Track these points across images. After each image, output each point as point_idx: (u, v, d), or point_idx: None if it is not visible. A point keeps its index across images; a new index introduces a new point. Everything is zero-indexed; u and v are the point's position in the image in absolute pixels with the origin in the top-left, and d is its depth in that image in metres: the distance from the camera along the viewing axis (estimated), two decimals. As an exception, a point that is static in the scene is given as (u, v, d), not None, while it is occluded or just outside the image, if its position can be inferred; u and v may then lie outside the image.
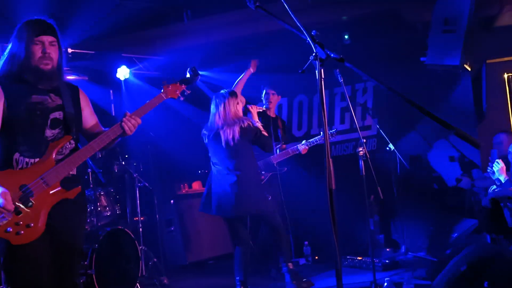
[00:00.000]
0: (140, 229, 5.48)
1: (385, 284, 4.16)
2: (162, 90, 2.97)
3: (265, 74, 6.09)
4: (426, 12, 5.65)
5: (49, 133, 2.68)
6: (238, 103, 4.51)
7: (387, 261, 5.35)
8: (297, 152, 5.26)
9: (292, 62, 6.16)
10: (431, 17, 5.48)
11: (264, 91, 5.70)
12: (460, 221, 5.44)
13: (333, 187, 2.04)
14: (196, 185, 6.90)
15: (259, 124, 4.62)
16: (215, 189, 4.55)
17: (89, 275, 4.34)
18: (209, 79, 7.25)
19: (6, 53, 2.73)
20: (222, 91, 4.57)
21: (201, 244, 6.38)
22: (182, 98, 3.04)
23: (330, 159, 2.07)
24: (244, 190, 4.39)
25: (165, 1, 6.29)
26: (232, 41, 6.74)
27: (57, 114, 2.71)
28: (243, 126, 4.38)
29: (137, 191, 5.61)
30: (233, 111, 4.44)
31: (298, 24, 2.15)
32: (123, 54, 6.59)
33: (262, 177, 5.19)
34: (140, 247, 5.24)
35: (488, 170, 4.70)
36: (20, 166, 2.61)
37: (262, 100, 5.76)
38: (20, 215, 2.51)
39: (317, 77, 2.08)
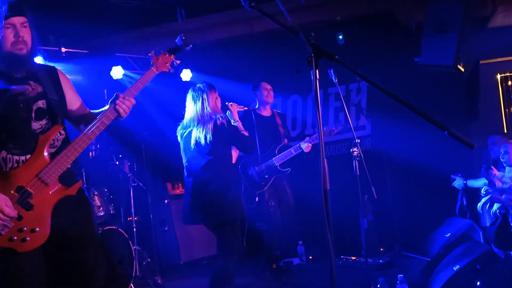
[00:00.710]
0: (134, 229, 5.47)
1: (379, 284, 4.17)
2: (151, 64, 2.76)
3: (259, 74, 6.09)
4: (420, 13, 5.68)
5: (36, 125, 2.44)
6: (217, 98, 4.08)
7: (381, 261, 5.37)
8: (300, 151, 5.16)
9: (287, 62, 6.20)
10: (424, 17, 5.50)
11: (261, 85, 5.44)
12: (453, 221, 5.46)
13: (328, 187, 2.04)
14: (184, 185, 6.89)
15: (239, 124, 4.25)
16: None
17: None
18: (204, 79, 7.24)
19: None
20: (199, 84, 4.10)
21: (195, 244, 6.37)
22: (172, 70, 2.83)
23: (325, 159, 2.07)
24: (207, 194, 3.91)
25: (159, 0, 6.27)
26: (226, 40, 6.74)
27: (41, 103, 2.48)
28: (217, 123, 3.89)
29: (131, 191, 5.60)
30: (211, 106, 4.00)
31: (293, 25, 2.15)
32: (117, 54, 6.57)
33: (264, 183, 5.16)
34: (134, 247, 5.23)
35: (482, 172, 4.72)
36: (9, 166, 2.37)
37: (255, 99, 5.62)
38: (22, 220, 2.29)
39: (311, 78, 2.08)
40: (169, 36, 6.76)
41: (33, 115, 2.44)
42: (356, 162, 4.25)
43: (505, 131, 6.26)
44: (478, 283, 3.98)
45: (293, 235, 5.96)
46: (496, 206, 4.65)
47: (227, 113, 4.34)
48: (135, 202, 5.61)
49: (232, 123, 4.17)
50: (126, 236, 4.90)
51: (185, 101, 4.12)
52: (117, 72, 6.39)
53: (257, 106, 5.56)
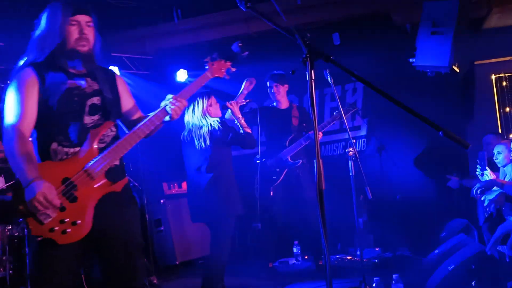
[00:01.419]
0: (130, 229, 5.45)
1: (374, 283, 4.18)
2: (206, 68, 2.76)
3: (255, 74, 6.09)
4: (415, 14, 5.70)
5: (88, 119, 2.46)
6: (211, 104, 4.26)
7: (376, 260, 5.38)
8: (309, 141, 5.12)
9: (283, 62, 6.20)
10: (420, 18, 5.52)
11: (268, 84, 5.48)
12: (449, 221, 5.48)
13: (323, 187, 2.05)
14: (186, 185, 6.89)
15: (241, 121, 4.37)
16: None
17: (78, 275, 4.31)
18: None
19: (36, 35, 2.50)
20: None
21: (191, 244, 6.36)
22: (228, 77, 2.85)
23: (320, 160, 2.08)
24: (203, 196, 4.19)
25: (155, 0, 6.27)
26: (222, 41, 6.74)
27: (95, 100, 2.50)
28: (209, 129, 4.17)
29: (131, 190, 5.58)
30: (203, 111, 4.22)
31: (289, 25, 2.16)
32: (112, 54, 6.56)
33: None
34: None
35: (478, 173, 4.74)
36: (59, 157, 2.38)
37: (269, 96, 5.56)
38: (65, 211, 2.29)
39: (307, 78, 2.09)
40: (165, 36, 6.77)
41: (86, 109, 2.47)
42: (352, 162, 4.26)
43: (500, 131, 6.30)
44: (473, 283, 4.00)
45: (288, 235, 5.97)
46: (489, 198, 4.67)
47: (227, 112, 4.50)
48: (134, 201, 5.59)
49: (235, 122, 4.37)
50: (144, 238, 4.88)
51: None
52: (112, 72, 6.38)
53: (274, 103, 5.54)
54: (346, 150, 4.33)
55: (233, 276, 4.67)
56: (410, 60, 5.56)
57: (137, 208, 2.65)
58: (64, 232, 2.28)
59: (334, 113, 5.28)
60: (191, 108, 4.25)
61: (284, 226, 5.43)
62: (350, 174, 4.26)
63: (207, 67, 2.78)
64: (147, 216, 6.02)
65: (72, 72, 2.50)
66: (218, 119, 4.25)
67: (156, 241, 6.29)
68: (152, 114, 2.57)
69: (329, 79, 4.26)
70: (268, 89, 5.51)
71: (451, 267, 4.06)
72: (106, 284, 2.47)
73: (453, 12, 5.30)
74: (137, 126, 2.49)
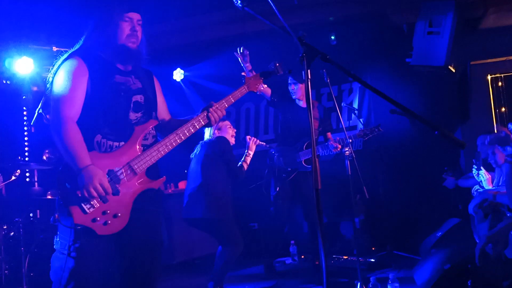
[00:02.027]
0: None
1: (370, 283, 4.19)
2: (244, 82, 2.88)
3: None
4: (412, 14, 5.71)
5: (132, 116, 2.52)
6: (219, 128, 4.51)
7: (372, 260, 5.39)
8: (326, 151, 5.06)
9: (279, 62, 6.19)
10: (416, 18, 5.53)
11: (289, 80, 5.28)
12: (445, 220, 5.49)
13: (319, 186, 2.05)
14: (183, 185, 6.88)
15: (248, 158, 4.56)
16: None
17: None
18: (196, 78, 7.25)
19: (91, 27, 2.56)
20: None
21: (188, 243, 6.36)
22: (259, 93, 3.00)
23: (316, 159, 2.08)
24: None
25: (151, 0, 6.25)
26: (218, 40, 6.74)
27: (139, 98, 2.57)
28: (210, 140, 4.44)
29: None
30: (211, 132, 4.54)
31: (285, 25, 2.16)
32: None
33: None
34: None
35: (473, 173, 4.75)
36: (102, 149, 2.43)
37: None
38: (107, 203, 2.33)
39: (303, 78, 2.09)
40: (161, 36, 6.75)
41: (131, 105, 2.52)
42: (348, 162, 4.27)
43: (495, 132, 6.31)
44: (469, 282, 4.01)
45: (285, 234, 5.97)
46: (484, 201, 4.68)
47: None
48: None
49: (245, 152, 4.57)
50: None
51: (176, 100, 4.29)
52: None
53: (294, 98, 5.38)
54: (343, 149, 4.34)
55: (229, 276, 4.66)
56: (407, 59, 5.57)
57: (163, 209, 2.78)
58: (105, 223, 2.34)
59: (357, 133, 5.12)
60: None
61: (282, 225, 5.41)
62: (347, 173, 4.27)
63: (244, 81, 2.90)
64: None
65: (119, 68, 2.55)
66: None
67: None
68: (193, 118, 2.65)
69: (325, 78, 4.26)
70: (289, 89, 5.33)
71: (447, 267, 4.07)
72: (122, 283, 2.51)
73: (449, 12, 5.32)
74: (179, 129, 2.55)
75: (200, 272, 6.00)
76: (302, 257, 6.01)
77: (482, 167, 4.60)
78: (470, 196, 5.24)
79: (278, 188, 5.16)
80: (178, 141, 2.55)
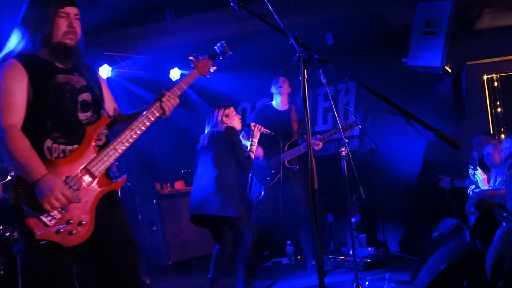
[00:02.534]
0: (122, 229, 5.42)
1: (367, 283, 4.20)
2: (192, 66, 2.76)
3: (247, 74, 6.09)
4: (408, 14, 5.72)
5: (82, 116, 2.35)
6: (227, 115, 4.43)
7: (369, 260, 5.39)
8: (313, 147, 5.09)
9: (275, 62, 6.20)
10: (413, 19, 5.54)
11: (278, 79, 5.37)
12: (441, 220, 5.50)
13: (316, 187, 2.05)
14: (179, 185, 6.87)
15: (254, 146, 4.51)
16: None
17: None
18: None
19: (20, 25, 2.35)
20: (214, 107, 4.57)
21: (184, 244, 6.35)
22: (208, 75, 2.85)
23: (313, 159, 2.08)
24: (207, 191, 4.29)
25: (148, -1, 6.25)
26: (215, 40, 6.72)
27: (85, 96, 2.39)
28: (219, 130, 4.34)
29: (119, 191, 5.54)
30: (220, 119, 4.41)
31: (281, 25, 2.16)
32: (105, 53, 6.53)
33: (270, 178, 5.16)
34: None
35: (470, 173, 4.77)
36: (55, 155, 2.25)
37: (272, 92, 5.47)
38: (69, 212, 2.17)
39: (300, 78, 2.09)
40: (158, 35, 6.74)
41: (79, 106, 2.36)
42: (344, 162, 4.27)
43: (491, 132, 6.34)
44: (465, 282, 4.02)
45: (281, 235, 5.97)
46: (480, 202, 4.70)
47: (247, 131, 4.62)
48: (123, 202, 5.55)
49: (248, 143, 4.52)
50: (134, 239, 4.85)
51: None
52: (105, 71, 6.36)
53: (273, 101, 5.47)
54: (339, 150, 4.34)
55: (224, 277, 4.66)
56: (403, 60, 5.58)
57: (124, 207, 2.58)
58: (70, 233, 2.19)
59: (336, 128, 5.17)
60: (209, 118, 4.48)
61: (274, 226, 5.41)
62: (343, 174, 4.27)
63: (192, 65, 2.79)
64: (139, 216, 6.00)
65: (59, 66, 2.38)
66: None
67: (148, 242, 6.27)
68: (144, 110, 2.50)
69: (322, 78, 4.26)
70: (273, 85, 5.41)
71: (443, 267, 4.07)
72: (104, 286, 2.38)
73: (445, 13, 5.33)
74: (133, 124, 2.41)
75: (195, 273, 6.00)
76: (299, 257, 6.00)
77: (478, 167, 4.61)
78: (466, 196, 5.25)
79: (263, 192, 5.17)
80: (135, 136, 2.40)
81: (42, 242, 2.14)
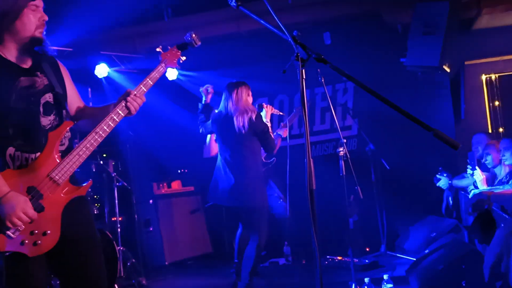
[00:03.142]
0: (118, 229, 5.41)
1: (365, 284, 4.18)
2: (160, 59, 2.64)
3: (245, 74, 6.07)
4: (406, 14, 5.71)
5: (45, 121, 2.26)
6: (249, 95, 4.51)
7: (366, 261, 5.39)
8: (280, 138, 5.12)
9: (273, 61, 6.19)
10: (411, 19, 5.53)
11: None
12: (438, 221, 5.50)
13: (314, 187, 2.03)
14: (176, 185, 6.85)
15: (269, 124, 4.58)
16: (215, 176, 4.55)
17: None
18: (190, 78, 7.21)
19: None
20: (233, 82, 4.56)
21: (180, 244, 6.34)
22: (178, 67, 2.74)
23: (311, 159, 2.06)
24: (239, 181, 4.35)
25: (145, -1, 6.23)
26: (213, 40, 6.71)
27: (48, 97, 2.29)
28: (252, 118, 4.35)
29: (116, 191, 5.54)
30: (244, 98, 4.45)
31: (280, 24, 2.14)
32: (102, 52, 6.51)
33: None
34: (118, 248, 5.17)
35: (468, 172, 4.75)
36: (18, 164, 2.18)
37: None
38: (33, 223, 2.12)
39: (298, 77, 2.07)
40: (155, 35, 6.72)
41: (41, 109, 2.26)
42: (342, 162, 4.25)
43: (489, 131, 6.33)
44: (463, 283, 4.01)
45: (279, 235, 5.96)
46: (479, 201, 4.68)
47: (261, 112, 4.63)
48: (119, 202, 5.55)
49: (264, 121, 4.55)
50: (110, 236, 4.84)
51: (169, 100, 4.27)
52: (102, 71, 6.34)
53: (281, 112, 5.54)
54: (337, 149, 4.32)
55: (220, 277, 4.64)
56: (401, 59, 5.57)
57: (90, 205, 2.52)
58: (35, 244, 2.14)
59: (294, 111, 5.32)
60: (234, 93, 4.46)
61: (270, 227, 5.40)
62: (341, 174, 4.26)
63: (160, 58, 2.65)
64: (136, 217, 5.98)
65: (22, 68, 2.26)
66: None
67: (145, 242, 6.25)
68: (111, 105, 2.40)
69: (320, 78, 4.24)
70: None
71: (441, 267, 4.06)
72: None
73: (444, 13, 5.32)
74: (97, 127, 2.28)
75: (192, 273, 5.98)
76: (304, 262, 5.98)
77: (476, 167, 4.60)
78: (465, 196, 5.24)
79: None
80: (99, 139, 2.27)
81: (7, 253, 2.10)
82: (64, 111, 2.37)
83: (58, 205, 2.21)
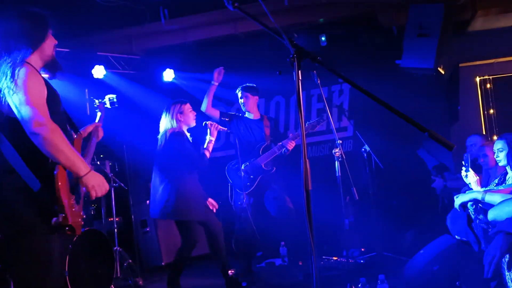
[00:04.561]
0: (115, 230, 5.42)
1: (360, 284, 4.20)
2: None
3: (242, 75, 6.09)
4: (402, 16, 5.74)
5: (68, 127, 2.70)
6: (181, 112, 4.60)
7: (362, 261, 5.40)
8: (284, 149, 5.16)
9: (270, 63, 6.22)
10: (405, 21, 5.56)
11: (240, 93, 5.50)
12: (433, 222, 5.52)
13: (310, 188, 2.05)
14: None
15: (210, 144, 4.65)
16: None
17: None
18: (186, 79, 7.23)
19: (22, 34, 2.50)
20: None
21: (177, 245, 6.29)
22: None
23: (307, 160, 2.08)
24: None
25: (142, 0, 6.24)
26: (209, 41, 6.73)
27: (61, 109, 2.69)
28: (167, 134, 4.55)
29: (112, 191, 5.55)
30: (173, 117, 4.61)
31: (276, 26, 2.16)
32: (98, 53, 6.52)
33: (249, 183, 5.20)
34: (115, 248, 5.18)
35: (462, 174, 4.77)
36: None
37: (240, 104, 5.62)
38: (77, 206, 2.52)
39: (294, 79, 2.09)
40: (152, 36, 6.74)
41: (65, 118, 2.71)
42: (338, 163, 4.28)
43: (484, 133, 6.37)
44: (457, 283, 4.04)
45: (275, 236, 5.98)
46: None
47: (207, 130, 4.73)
48: (116, 202, 5.56)
49: (208, 139, 4.67)
50: (107, 237, 4.85)
51: (165, 100, 4.33)
52: (98, 71, 6.34)
53: (244, 110, 5.56)
54: (333, 151, 4.35)
55: (216, 278, 4.66)
56: (397, 61, 5.60)
57: None
58: (79, 223, 2.48)
59: (306, 124, 5.30)
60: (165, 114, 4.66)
61: (267, 228, 5.42)
62: (337, 175, 4.28)
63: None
64: (132, 217, 5.99)
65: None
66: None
67: (141, 242, 6.25)
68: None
69: (316, 80, 4.27)
70: (239, 99, 5.53)
71: (436, 268, 4.09)
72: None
73: (438, 15, 5.35)
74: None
75: (188, 273, 5.98)
76: (300, 263, 6.00)
77: (470, 169, 4.62)
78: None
79: (244, 198, 5.19)
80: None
81: (67, 227, 2.38)
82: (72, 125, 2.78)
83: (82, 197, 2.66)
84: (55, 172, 2.36)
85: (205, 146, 4.64)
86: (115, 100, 4.20)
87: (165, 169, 4.58)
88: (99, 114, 4.03)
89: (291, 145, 5.15)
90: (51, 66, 2.63)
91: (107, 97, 4.19)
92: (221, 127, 4.83)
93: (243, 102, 5.46)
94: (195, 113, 4.74)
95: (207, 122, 4.75)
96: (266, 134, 5.49)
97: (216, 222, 4.58)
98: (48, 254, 2.36)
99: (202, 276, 4.35)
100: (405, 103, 5.79)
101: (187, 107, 4.65)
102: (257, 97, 5.60)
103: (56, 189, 2.33)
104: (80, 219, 2.49)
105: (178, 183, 4.47)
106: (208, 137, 4.67)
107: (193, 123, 4.67)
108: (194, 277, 5.68)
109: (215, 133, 4.72)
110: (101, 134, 3.65)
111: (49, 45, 2.61)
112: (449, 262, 4.10)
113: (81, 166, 2.40)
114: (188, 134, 4.65)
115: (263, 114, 5.74)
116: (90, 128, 3.66)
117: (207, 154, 4.61)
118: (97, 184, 2.46)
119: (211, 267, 4.54)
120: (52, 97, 2.48)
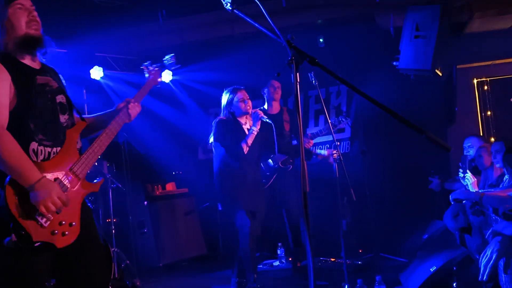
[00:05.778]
0: (113, 231, 5.41)
1: (357, 285, 4.21)
2: (147, 76, 2.97)
3: (240, 76, 6.09)
4: (399, 18, 5.75)
5: (62, 118, 2.36)
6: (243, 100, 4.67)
7: (359, 262, 5.41)
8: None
9: (267, 64, 6.22)
10: (403, 22, 5.57)
11: (270, 83, 5.44)
12: (430, 223, 5.53)
13: (307, 189, 2.05)
14: (170, 186, 6.85)
15: (252, 135, 4.60)
16: None
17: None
18: (184, 80, 7.23)
19: None
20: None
21: (174, 245, 6.33)
22: (158, 85, 3.04)
23: (305, 162, 2.08)
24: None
25: (140, 0, 6.23)
26: (207, 42, 6.73)
27: (61, 98, 2.39)
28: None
29: (110, 192, 5.54)
30: (230, 102, 4.70)
31: (274, 27, 2.16)
32: (96, 54, 6.51)
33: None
34: (113, 249, 5.17)
35: (460, 176, 4.78)
36: (41, 157, 2.24)
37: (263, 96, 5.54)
38: (60, 213, 2.18)
39: (292, 80, 2.10)
40: (149, 37, 6.73)
41: (58, 107, 2.37)
42: (336, 164, 4.28)
43: (481, 135, 6.38)
44: (454, 284, 4.05)
45: (272, 237, 5.98)
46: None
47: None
48: (113, 203, 5.55)
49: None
50: (105, 238, 4.84)
51: (164, 103, 4.33)
52: (96, 72, 6.34)
53: (265, 105, 5.50)
54: (331, 152, 4.35)
55: (215, 279, 4.66)
56: (394, 63, 5.61)
57: None
58: (63, 234, 2.19)
59: (325, 125, 5.31)
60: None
61: (266, 228, 5.41)
62: (335, 176, 4.28)
63: (147, 74, 2.98)
64: (130, 218, 5.98)
65: (35, 68, 2.36)
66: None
67: (139, 243, 6.25)
68: (107, 114, 2.62)
69: (314, 81, 4.27)
70: (266, 88, 5.47)
71: (433, 269, 4.10)
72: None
73: (435, 17, 5.36)
74: (108, 128, 2.49)
75: (186, 275, 5.98)
76: (290, 259, 6.01)
77: (468, 170, 4.63)
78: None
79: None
80: (109, 141, 2.47)
81: (37, 244, 2.12)
82: (74, 112, 2.50)
83: (78, 199, 2.32)
84: (6, 181, 2.09)
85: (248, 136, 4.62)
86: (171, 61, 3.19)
87: None
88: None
89: (308, 144, 5.14)
90: (27, 45, 2.30)
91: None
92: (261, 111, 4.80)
93: (274, 92, 5.47)
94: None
95: (257, 110, 4.74)
96: (285, 130, 5.41)
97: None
98: (12, 278, 2.12)
99: (197, 278, 4.34)
100: (402, 105, 5.83)
101: (242, 93, 4.76)
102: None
103: (6, 202, 2.05)
104: (61, 230, 2.18)
105: None
106: (252, 128, 4.65)
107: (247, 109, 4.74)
108: (189, 278, 5.68)
109: (259, 124, 4.67)
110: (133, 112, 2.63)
111: (17, 20, 2.27)
112: (446, 264, 4.11)
113: (29, 175, 2.09)
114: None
115: (282, 107, 5.68)
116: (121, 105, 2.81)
117: (244, 146, 4.61)
118: (43, 198, 2.08)
119: (205, 268, 4.53)
120: (26, 89, 2.23)
